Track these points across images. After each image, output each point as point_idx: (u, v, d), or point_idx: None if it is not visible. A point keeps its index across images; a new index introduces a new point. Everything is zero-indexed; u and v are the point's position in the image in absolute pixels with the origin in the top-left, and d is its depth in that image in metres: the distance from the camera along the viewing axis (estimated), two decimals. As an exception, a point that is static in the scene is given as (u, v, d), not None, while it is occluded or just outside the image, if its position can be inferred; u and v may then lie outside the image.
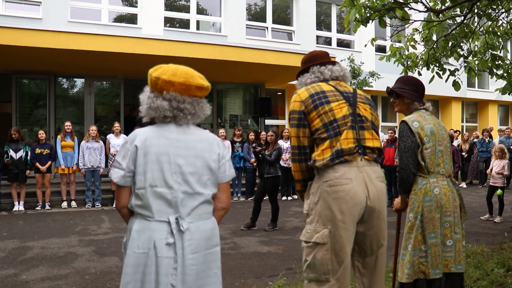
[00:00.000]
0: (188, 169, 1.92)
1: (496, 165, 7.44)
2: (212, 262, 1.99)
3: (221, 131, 10.18)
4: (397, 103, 3.05)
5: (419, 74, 6.09)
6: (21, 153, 8.67)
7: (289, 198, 10.18)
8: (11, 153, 8.61)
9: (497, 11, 5.68)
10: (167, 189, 1.89)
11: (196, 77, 1.99)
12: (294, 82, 2.77)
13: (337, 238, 2.25)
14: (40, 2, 11.62)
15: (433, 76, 6.20)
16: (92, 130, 9.14)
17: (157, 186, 1.88)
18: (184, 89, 1.94)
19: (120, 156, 1.94)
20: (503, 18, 6.26)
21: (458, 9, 5.49)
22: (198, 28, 13.76)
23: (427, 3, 4.98)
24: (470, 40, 6.08)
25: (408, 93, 2.98)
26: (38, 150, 8.74)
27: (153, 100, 1.95)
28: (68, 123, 9.20)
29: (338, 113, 2.34)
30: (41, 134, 8.89)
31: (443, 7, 5.08)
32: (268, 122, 13.87)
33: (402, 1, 4.77)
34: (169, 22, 13.56)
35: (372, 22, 5.10)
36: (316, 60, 2.57)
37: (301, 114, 2.37)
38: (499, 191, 7.33)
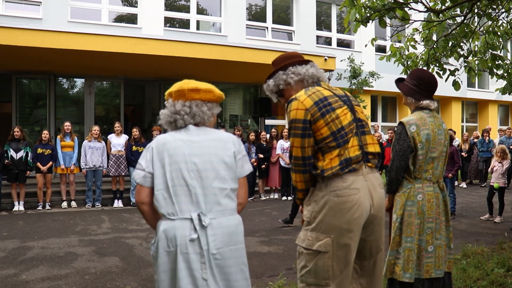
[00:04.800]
0: (204, 166, 2.03)
1: (498, 166, 7.44)
2: (238, 259, 2.06)
3: (221, 131, 10.19)
4: (403, 96, 3.04)
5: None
6: (21, 153, 8.66)
7: (289, 198, 10.19)
8: (12, 152, 8.60)
9: (497, 11, 5.68)
10: (186, 187, 2.01)
11: (192, 82, 2.16)
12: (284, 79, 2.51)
13: (341, 247, 2.22)
14: (40, 2, 11.61)
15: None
16: (95, 130, 9.14)
17: (177, 186, 2.00)
18: (179, 94, 2.14)
19: (143, 159, 2.11)
20: (503, 18, 6.25)
21: (458, 9, 5.49)
22: (198, 28, 13.75)
23: (427, 3, 4.98)
24: (470, 40, 6.08)
25: (405, 87, 2.96)
26: (40, 150, 8.74)
27: (160, 112, 2.18)
28: (67, 123, 9.20)
29: (344, 120, 2.27)
30: (45, 134, 8.89)
31: (443, 7, 5.08)
32: (268, 122, 13.87)
33: (402, 1, 4.77)
34: (169, 22, 13.56)
35: (372, 22, 5.10)
36: (304, 58, 2.51)
37: (306, 124, 2.24)
38: (496, 185, 7.37)
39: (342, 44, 16.34)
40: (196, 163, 2.02)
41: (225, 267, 2.01)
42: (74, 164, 9.04)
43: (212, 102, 2.19)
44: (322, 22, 16.10)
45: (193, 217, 1.97)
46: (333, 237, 2.22)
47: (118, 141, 9.33)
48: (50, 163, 8.82)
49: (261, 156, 10.19)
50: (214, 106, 2.20)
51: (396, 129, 2.91)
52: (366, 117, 2.46)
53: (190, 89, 2.13)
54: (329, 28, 16.14)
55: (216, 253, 1.98)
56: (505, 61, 6.28)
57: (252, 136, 10.53)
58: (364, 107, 13.91)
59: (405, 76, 3.08)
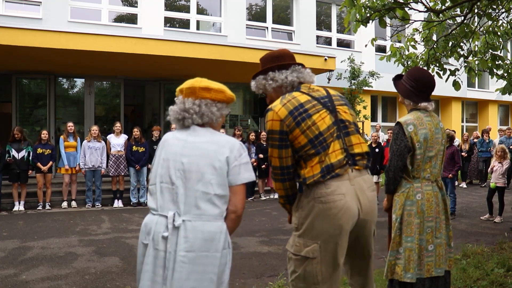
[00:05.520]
0: (190, 167, 2.01)
1: (498, 166, 7.43)
2: (208, 266, 1.97)
3: (221, 131, 10.18)
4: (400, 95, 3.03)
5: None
6: (23, 153, 8.68)
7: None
8: (13, 152, 8.62)
9: (497, 11, 5.68)
10: (171, 185, 2.02)
11: (204, 81, 2.14)
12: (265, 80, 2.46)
13: (328, 252, 2.21)
14: (40, 2, 11.61)
15: (433, 76, 6.19)
16: (94, 130, 9.14)
17: (164, 182, 2.04)
18: (190, 92, 2.12)
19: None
20: (503, 18, 6.25)
21: (458, 9, 5.49)
22: (198, 28, 13.75)
23: (427, 3, 4.98)
24: (470, 40, 6.08)
25: (402, 87, 2.94)
26: (40, 150, 8.75)
27: (170, 108, 2.17)
28: (70, 124, 9.22)
29: (322, 125, 2.22)
30: (44, 134, 8.90)
31: (443, 7, 5.08)
32: (268, 122, 13.86)
33: (402, 1, 4.76)
34: (169, 22, 13.56)
35: (372, 22, 5.10)
36: (292, 59, 2.45)
37: (282, 135, 2.23)
38: (492, 184, 7.38)
39: (342, 44, 16.34)
40: (183, 163, 2.01)
41: (192, 273, 1.94)
42: (79, 164, 9.06)
43: (222, 102, 2.15)
44: (322, 22, 16.10)
45: (169, 215, 1.97)
46: (320, 243, 2.21)
47: (117, 141, 9.33)
48: (51, 163, 8.83)
49: (261, 156, 10.19)
50: (224, 107, 2.17)
51: (393, 129, 2.91)
52: (352, 116, 2.38)
53: (201, 88, 2.11)
54: (329, 28, 16.13)
55: (184, 255, 1.93)
56: (505, 61, 6.28)
57: (252, 136, 10.54)
58: (364, 107, 13.92)
59: (412, 71, 3.01)
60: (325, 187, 2.19)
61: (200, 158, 2.01)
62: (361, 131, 2.48)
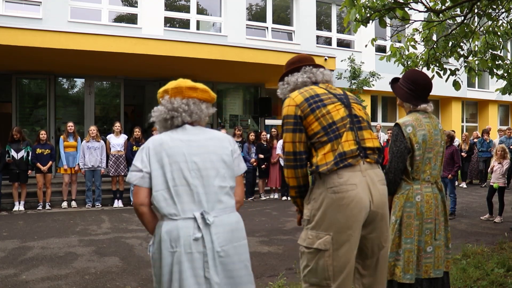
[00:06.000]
0: (205, 165, 2.05)
1: (497, 166, 7.44)
2: (241, 255, 2.08)
3: (222, 131, 10.20)
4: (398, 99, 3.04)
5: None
6: (22, 153, 8.70)
7: (289, 198, 10.17)
8: (13, 153, 8.64)
9: (497, 11, 5.68)
10: (188, 186, 2.00)
11: (188, 81, 2.20)
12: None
13: (340, 244, 2.22)
14: (40, 2, 11.61)
15: (433, 76, 6.19)
16: (92, 130, 9.15)
17: (178, 185, 2.00)
18: (176, 91, 2.16)
19: (138, 160, 2.06)
20: (503, 18, 6.26)
21: (458, 9, 5.50)
22: (198, 28, 13.75)
23: (427, 3, 4.98)
24: (470, 40, 6.08)
25: (400, 91, 2.94)
26: (39, 150, 8.76)
27: (155, 109, 2.18)
28: (70, 124, 9.23)
29: (336, 115, 2.29)
30: (43, 134, 8.92)
31: (443, 7, 5.09)
32: (268, 122, 13.87)
33: (402, 1, 4.77)
34: (169, 22, 13.55)
35: (372, 22, 5.10)
36: (305, 62, 2.56)
37: (297, 119, 2.31)
38: (495, 185, 7.38)
39: (342, 44, 16.33)
40: (196, 162, 2.03)
41: (229, 264, 2.02)
42: (78, 164, 9.06)
43: (208, 102, 2.24)
44: (322, 22, 16.09)
45: (196, 216, 1.98)
46: (332, 234, 2.22)
47: (117, 141, 9.33)
48: (50, 162, 8.83)
49: (261, 156, 10.19)
50: (210, 106, 2.26)
51: (392, 131, 2.91)
52: (366, 115, 2.45)
53: (188, 87, 2.16)
54: (329, 28, 16.13)
55: (220, 250, 2.00)
56: (505, 61, 6.28)
57: (252, 136, 10.53)
58: (364, 107, 13.90)
59: (408, 73, 3.01)
60: (337, 176, 2.22)
61: (211, 155, 2.08)
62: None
